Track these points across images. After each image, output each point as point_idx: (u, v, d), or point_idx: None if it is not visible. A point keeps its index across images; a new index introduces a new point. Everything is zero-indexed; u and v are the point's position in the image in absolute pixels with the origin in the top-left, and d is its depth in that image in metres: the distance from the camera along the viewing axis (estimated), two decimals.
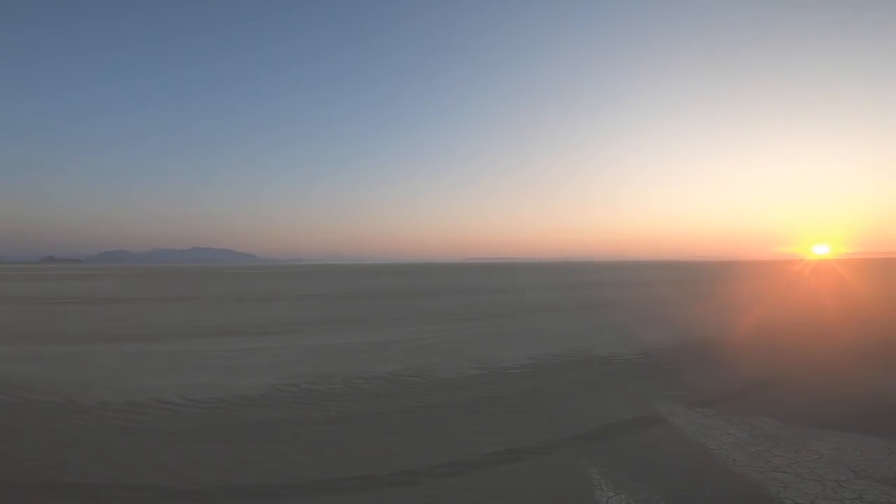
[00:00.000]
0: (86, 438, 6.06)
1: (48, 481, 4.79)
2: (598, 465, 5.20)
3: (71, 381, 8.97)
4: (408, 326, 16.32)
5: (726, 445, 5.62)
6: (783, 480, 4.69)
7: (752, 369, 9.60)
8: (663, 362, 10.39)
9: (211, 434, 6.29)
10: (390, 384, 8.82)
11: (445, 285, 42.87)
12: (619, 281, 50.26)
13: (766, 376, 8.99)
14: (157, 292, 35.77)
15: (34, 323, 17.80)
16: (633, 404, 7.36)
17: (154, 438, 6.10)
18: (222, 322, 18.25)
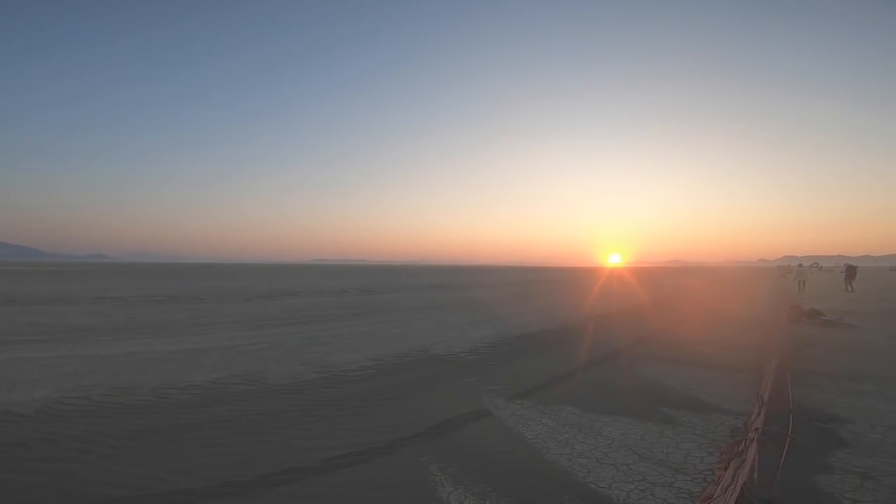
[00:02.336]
0: None
1: None
2: (438, 461, 5.30)
3: None
4: (233, 331, 14.78)
5: (540, 435, 6.17)
6: (586, 466, 5.26)
7: (560, 361, 10.79)
8: (491, 358, 11.16)
9: None
10: (212, 393, 7.85)
11: (281, 287, 40.18)
12: (461, 283, 53.13)
13: (569, 368, 10.18)
14: None
15: None
16: (464, 400, 7.72)
17: None
18: None
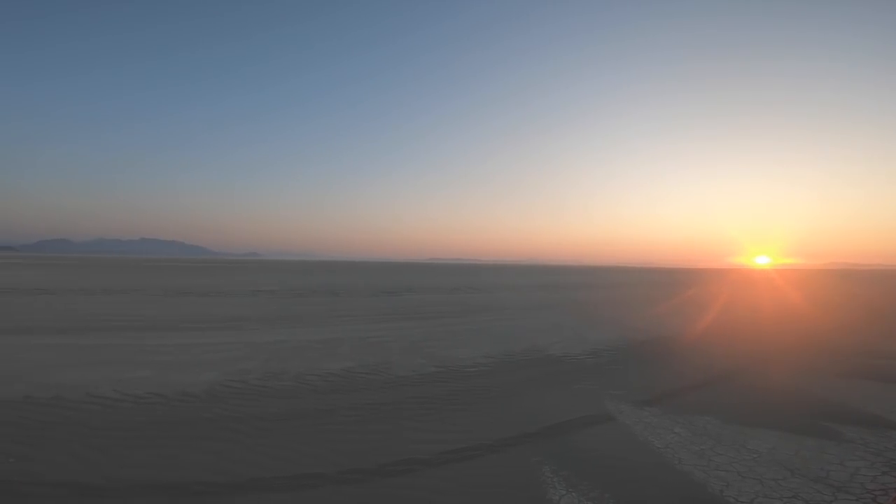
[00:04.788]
0: (2, 434, 5.60)
1: None
2: (551, 462, 5.19)
3: None
4: (362, 323, 16.05)
5: (672, 444, 5.74)
6: (725, 479, 4.82)
7: (695, 369, 9.94)
8: (613, 362, 10.62)
9: (146, 430, 5.89)
10: (343, 381, 8.57)
11: (404, 284, 42.61)
12: (575, 283, 51.54)
13: (707, 376, 9.33)
14: (95, 284, 33.76)
15: None
16: (584, 403, 7.45)
17: (81, 434, 5.66)
18: (164, 316, 17.35)
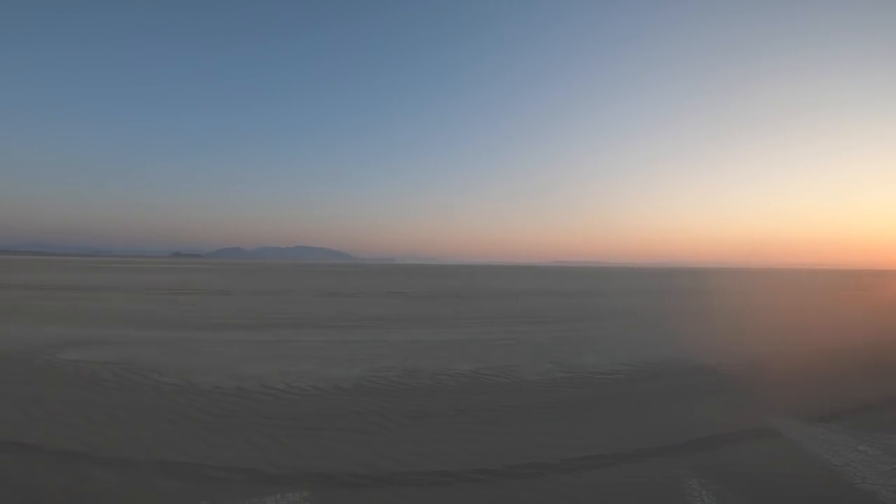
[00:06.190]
0: (200, 420, 6.60)
1: (162, 460, 5.21)
2: (699, 476, 4.79)
3: (192, 365, 9.88)
4: (487, 326, 16.39)
5: (854, 462, 4.99)
6: None
7: (881, 384, 8.47)
8: (774, 374, 9.42)
9: (308, 421, 6.62)
10: (472, 382, 8.85)
11: (527, 287, 42.48)
12: (715, 288, 46.49)
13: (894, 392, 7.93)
14: (263, 286, 39.11)
15: (162, 311, 19.97)
16: (740, 415, 6.74)
17: (257, 423, 6.51)
18: (318, 314, 19.47)
